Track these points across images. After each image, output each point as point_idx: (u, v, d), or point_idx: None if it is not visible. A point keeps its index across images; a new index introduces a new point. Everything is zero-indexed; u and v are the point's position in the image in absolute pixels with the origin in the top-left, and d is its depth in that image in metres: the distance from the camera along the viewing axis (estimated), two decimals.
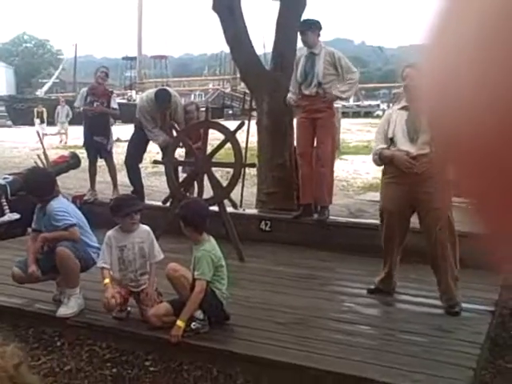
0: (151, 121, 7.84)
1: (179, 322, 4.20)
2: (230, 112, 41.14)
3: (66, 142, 23.55)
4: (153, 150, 8.45)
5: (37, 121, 26.14)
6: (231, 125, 6.98)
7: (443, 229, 4.68)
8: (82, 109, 8.32)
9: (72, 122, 24.34)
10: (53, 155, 9.97)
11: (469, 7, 0.35)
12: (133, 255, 4.60)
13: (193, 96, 51.51)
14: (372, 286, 5.28)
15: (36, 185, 5.09)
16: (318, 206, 7.11)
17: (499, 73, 0.32)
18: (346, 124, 21.87)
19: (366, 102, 50.57)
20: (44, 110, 26.85)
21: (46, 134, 22.57)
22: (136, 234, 4.63)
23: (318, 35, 6.93)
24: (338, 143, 15.71)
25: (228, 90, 47.03)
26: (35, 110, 27.53)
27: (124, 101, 35.38)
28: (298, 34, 7.01)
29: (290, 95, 7.08)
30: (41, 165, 8.68)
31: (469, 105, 0.34)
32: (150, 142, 8.16)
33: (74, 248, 4.78)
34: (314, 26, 6.91)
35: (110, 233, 4.65)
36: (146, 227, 4.72)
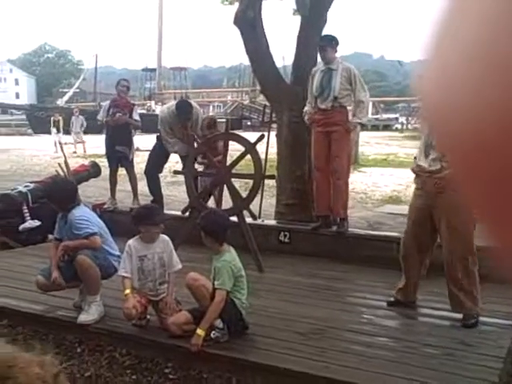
0: (170, 132, 7.92)
1: (199, 331, 4.22)
2: (249, 123, 41.26)
3: (84, 151, 23.65)
4: (172, 160, 8.50)
5: (53, 130, 26.07)
6: (250, 136, 7.02)
7: (456, 242, 4.70)
8: (104, 120, 8.41)
9: (91, 132, 24.47)
10: (73, 164, 10.07)
11: (469, 8, 0.35)
12: (152, 265, 4.64)
13: (211, 107, 51.79)
14: (392, 299, 5.28)
15: (58, 194, 5.14)
16: (338, 218, 7.12)
17: (499, 71, 0.33)
18: (364, 137, 21.84)
19: (385, 116, 50.53)
20: (61, 118, 26.81)
21: (61, 143, 22.21)
22: (156, 243, 4.67)
23: (336, 51, 6.99)
24: (356, 156, 15.73)
25: (247, 102, 47.20)
26: (52, 118, 27.35)
27: (144, 111, 35.63)
28: (318, 49, 7.05)
29: (306, 108, 7.13)
30: (61, 173, 8.77)
31: (470, 103, 0.35)
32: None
33: (93, 256, 4.83)
34: (333, 42, 6.96)
35: (130, 242, 4.69)
36: (165, 237, 4.75)
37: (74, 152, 23.23)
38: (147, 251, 4.64)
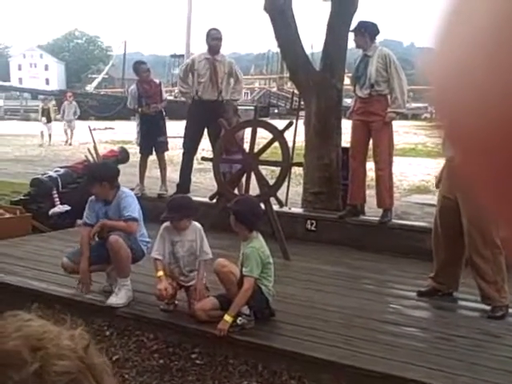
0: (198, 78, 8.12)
1: (226, 317, 4.25)
2: (276, 111, 41.15)
3: (70, 143, 21.76)
4: (199, 147, 8.55)
5: (42, 119, 22.63)
6: (277, 124, 7.01)
7: (476, 233, 4.68)
8: (139, 110, 8.48)
9: (120, 118, 24.47)
10: (101, 150, 10.16)
11: None
12: (182, 252, 4.67)
13: None
14: (422, 289, 5.25)
15: (110, 172, 5.22)
16: (364, 207, 7.11)
17: (509, 60, 0.33)
18: (393, 126, 21.67)
19: (414, 105, 50.01)
20: (51, 106, 24.02)
21: (50, 134, 21.88)
22: (188, 231, 4.70)
23: (372, 38, 6.87)
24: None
25: (274, 89, 47.09)
26: (41, 106, 24.22)
27: (171, 97, 35.74)
28: (353, 34, 6.98)
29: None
30: (91, 158, 8.87)
31: (479, 91, 0.34)
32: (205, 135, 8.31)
33: (126, 238, 4.89)
34: (364, 30, 6.85)
35: (165, 225, 4.73)
36: (198, 225, 4.76)
37: (67, 141, 21.94)
38: (178, 237, 4.67)
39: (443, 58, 0.38)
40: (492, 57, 0.34)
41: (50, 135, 21.86)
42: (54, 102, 25.73)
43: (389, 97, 6.72)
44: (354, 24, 7.28)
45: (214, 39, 8.06)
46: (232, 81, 8.20)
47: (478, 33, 0.35)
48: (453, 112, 0.38)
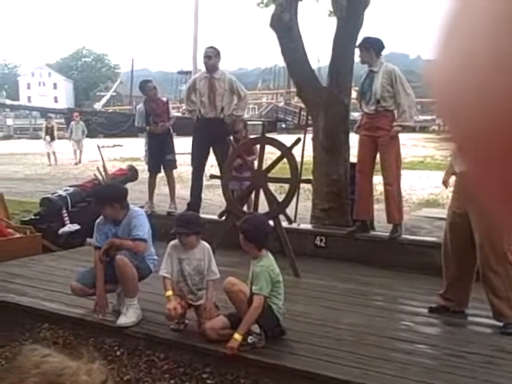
0: (199, 97, 8.19)
1: (236, 335, 4.24)
2: (284, 126, 41.21)
3: (79, 161, 21.52)
4: (207, 164, 8.57)
5: (46, 138, 22.01)
6: (285, 139, 7.03)
7: (488, 249, 4.64)
8: (147, 128, 8.55)
9: (128, 135, 24.47)
10: (110, 168, 10.20)
11: (479, 6, 0.35)
12: (189, 270, 4.66)
13: (246, 110, 51.81)
14: (433, 305, 5.22)
15: (119, 192, 5.24)
16: (374, 223, 7.08)
17: (507, 68, 0.33)
18: (401, 139, 21.64)
19: (422, 117, 49.90)
20: (54, 125, 23.35)
21: (55, 154, 21.61)
22: (196, 250, 4.69)
23: (377, 54, 6.89)
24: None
25: (281, 104, 47.20)
26: (44, 125, 23.42)
27: (179, 114, 35.90)
28: (358, 50, 6.99)
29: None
30: (100, 177, 8.90)
31: (479, 98, 0.35)
32: (211, 155, 8.33)
33: (132, 257, 4.90)
34: (369, 45, 6.87)
35: (173, 242, 4.73)
36: (206, 245, 4.75)
37: (76, 163, 21.34)
38: (186, 255, 4.67)
39: (445, 65, 0.38)
40: (493, 60, 0.34)
41: (54, 153, 21.68)
42: (55, 122, 25.17)
43: (395, 111, 6.73)
44: (359, 39, 7.30)
45: (205, 57, 8.13)
46: (235, 98, 8.20)
47: (475, 43, 0.35)
48: (457, 116, 0.38)
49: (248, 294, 4.40)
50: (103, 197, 5.18)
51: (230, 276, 4.67)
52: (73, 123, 22.99)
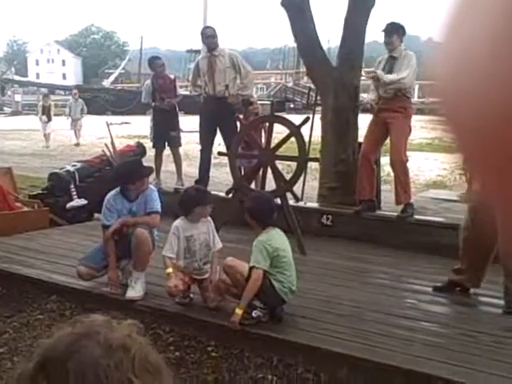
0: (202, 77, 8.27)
1: (237, 310, 4.28)
2: (292, 106, 41.02)
3: (78, 144, 19.86)
4: (215, 142, 8.57)
5: (43, 118, 20.40)
6: (293, 118, 7.01)
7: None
8: (153, 104, 8.60)
9: (135, 113, 24.32)
10: (118, 144, 10.22)
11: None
12: (199, 245, 4.71)
13: (255, 89, 51.59)
14: (438, 284, 5.22)
15: (150, 168, 5.53)
16: (381, 203, 7.09)
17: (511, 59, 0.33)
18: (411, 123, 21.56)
19: (432, 99, 49.36)
20: (51, 103, 21.40)
21: (49, 134, 19.99)
22: (201, 224, 4.74)
23: (402, 39, 6.90)
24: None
25: (290, 84, 46.92)
26: (40, 103, 21.70)
27: (187, 92, 35.78)
28: (383, 34, 6.96)
29: (370, 95, 7.16)
30: (108, 153, 8.93)
31: (485, 87, 0.35)
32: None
33: (150, 232, 4.99)
34: (400, 31, 6.90)
35: (177, 223, 4.75)
36: (208, 218, 4.83)
37: (76, 144, 19.79)
38: (193, 231, 4.71)
39: (450, 55, 0.38)
40: (498, 54, 0.34)
41: (49, 134, 20.09)
42: (52, 100, 23.08)
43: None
44: (372, 20, 7.30)
45: (208, 37, 8.17)
46: (238, 74, 8.13)
47: (484, 30, 0.35)
48: (457, 114, 0.39)
49: (246, 273, 4.37)
50: (140, 171, 5.20)
51: (237, 252, 4.70)
52: (71, 100, 21.67)
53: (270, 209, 4.58)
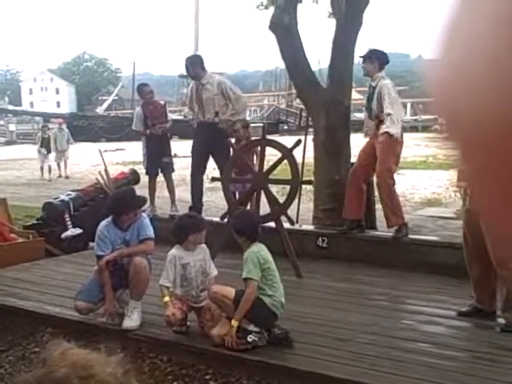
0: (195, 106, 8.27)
1: (233, 322, 4.30)
2: (286, 127, 41.22)
3: (66, 177, 18.78)
4: (209, 167, 8.59)
5: (42, 150, 19.10)
6: (286, 140, 7.03)
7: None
8: (147, 132, 8.60)
9: (129, 139, 24.26)
10: (113, 171, 10.22)
11: (481, 8, 0.36)
12: (195, 272, 4.70)
13: (248, 112, 51.85)
14: (463, 309, 5.10)
15: (144, 198, 5.50)
16: (376, 223, 7.09)
17: (510, 61, 0.34)
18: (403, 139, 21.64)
19: (424, 117, 49.85)
20: (51, 135, 19.62)
21: (50, 166, 18.85)
22: (197, 251, 4.74)
23: (377, 67, 6.94)
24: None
25: (283, 106, 47.22)
26: (39, 134, 20.28)
27: (180, 117, 35.94)
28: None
29: (365, 118, 7.31)
30: (102, 181, 8.93)
31: (481, 91, 0.35)
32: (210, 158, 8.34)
33: (148, 261, 5.00)
34: (374, 57, 6.95)
35: (173, 251, 4.74)
36: (203, 244, 4.83)
37: (60, 176, 18.81)
38: (189, 259, 4.70)
39: (444, 69, 0.39)
40: (491, 67, 0.35)
41: (50, 167, 18.93)
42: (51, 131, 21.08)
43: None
44: (359, 46, 7.41)
45: (187, 70, 8.23)
46: (227, 101, 8.09)
47: (477, 44, 0.36)
48: (455, 116, 0.39)
49: (232, 295, 4.41)
50: (134, 202, 5.18)
51: (234, 278, 4.71)
52: (56, 130, 19.96)
53: (255, 223, 4.73)
